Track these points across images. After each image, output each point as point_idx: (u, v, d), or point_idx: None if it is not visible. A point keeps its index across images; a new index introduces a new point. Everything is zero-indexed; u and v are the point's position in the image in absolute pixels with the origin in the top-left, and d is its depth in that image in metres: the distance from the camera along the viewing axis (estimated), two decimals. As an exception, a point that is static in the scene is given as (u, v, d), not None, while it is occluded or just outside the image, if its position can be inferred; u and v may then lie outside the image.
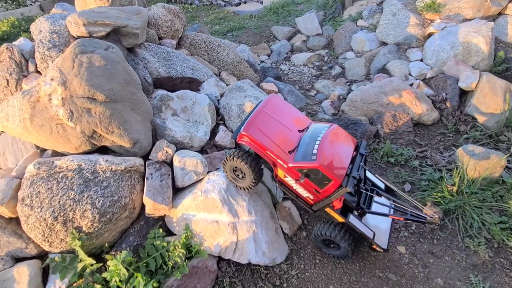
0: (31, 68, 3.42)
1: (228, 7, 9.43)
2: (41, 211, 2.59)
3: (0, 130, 3.33)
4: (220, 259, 2.98)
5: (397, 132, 4.30)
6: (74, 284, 2.62)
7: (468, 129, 4.34)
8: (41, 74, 3.40)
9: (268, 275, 2.96)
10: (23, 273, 2.65)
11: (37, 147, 3.09)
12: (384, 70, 5.48)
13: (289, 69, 6.37)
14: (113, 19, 3.37)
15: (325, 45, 6.90)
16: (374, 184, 3.05)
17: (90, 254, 2.77)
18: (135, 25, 3.49)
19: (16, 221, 2.79)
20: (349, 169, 2.55)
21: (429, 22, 5.67)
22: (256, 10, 9.25)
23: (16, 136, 3.13)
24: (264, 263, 2.93)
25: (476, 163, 3.53)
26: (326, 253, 3.09)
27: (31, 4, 10.62)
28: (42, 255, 2.86)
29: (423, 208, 2.62)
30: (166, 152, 3.04)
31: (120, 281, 2.52)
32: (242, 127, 2.67)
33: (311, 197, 2.74)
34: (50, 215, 2.59)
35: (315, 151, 2.48)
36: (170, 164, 3.11)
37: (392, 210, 2.81)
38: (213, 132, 3.58)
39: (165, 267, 2.73)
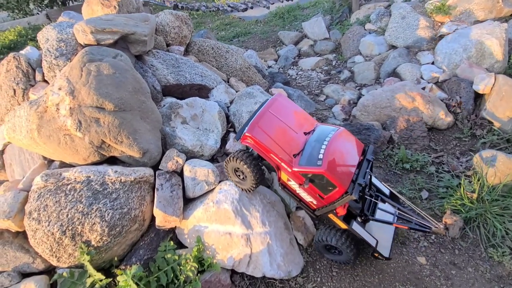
0: (38, 77, 3.36)
1: (234, 13, 9.41)
2: (48, 225, 2.50)
3: (7, 141, 3.26)
4: (233, 272, 2.87)
5: (411, 137, 4.18)
6: (83, 301, 2.52)
7: (485, 134, 4.21)
8: (48, 83, 3.35)
9: (284, 289, 2.84)
10: (31, 290, 2.56)
11: (45, 158, 3.02)
12: (394, 73, 5.37)
13: (297, 74, 6.29)
14: (121, 26, 3.31)
15: (332, 49, 6.82)
16: (378, 190, 2.95)
17: (99, 269, 2.69)
18: (143, 32, 3.43)
19: (23, 235, 2.71)
20: (355, 175, 2.46)
21: (440, 24, 5.57)
22: (262, 16, 9.22)
23: (23, 147, 3.06)
24: (279, 276, 2.81)
25: (497, 168, 3.40)
26: (328, 258, 3.02)
27: (38, 13, 10.72)
28: (49, 270, 2.78)
29: (427, 217, 2.53)
30: (177, 161, 2.95)
31: (130, 297, 2.42)
32: (246, 128, 2.57)
33: (315, 202, 2.65)
34: (58, 229, 2.50)
35: (320, 156, 2.39)
36: (181, 173, 3.02)
37: (396, 218, 2.72)
38: (224, 140, 3.49)
39: (176, 281, 2.62)
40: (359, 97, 5.11)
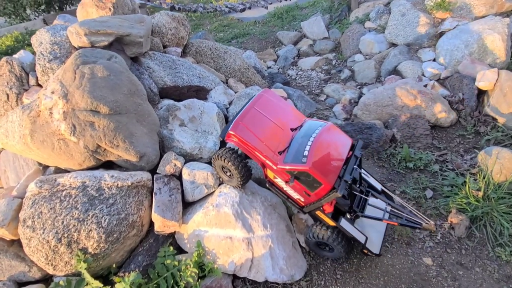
0: (32, 81, 3.30)
1: (232, 14, 9.35)
2: (43, 232, 2.43)
3: (1, 148, 3.20)
4: (235, 277, 2.81)
5: (414, 136, 4.11)
6: (80, 310, 2.45)
7: (489, 130, 4.13)
8: (42, 87, 3.28)
9: (287, 294, 2.76)
10: (26, 300, 2.49)
11: (39, 164, 2.95)
12: (395, 71, 5.30)
13: (296, 74, 6.22)
14: (116, 28, 3.25)
15: (332, 48, 6.75)
16: (370, 186, 2.89)
17: (97, 276, 2.62)
18: (138, 33, 3.37)
19: (18, 243, 2.64)
20: (343, 172, 2.40)
21: (440, 21, 5.50)
22: (260, 16, 9.16)
23: (17, 153, 3.00)
24: (282, 280, 2.74)
25: (502, 166, 3.32)
26: (320, 255, 2.98)
27: (35, 18, 10.67)
28: (46, 279, 2.71)
29: (418, 214, 2.49)
30: (175, 165, 2.88)
31: (129, 306, 2.35)
32: (231, 126, 2.53)
33: (302, 199, 2.61)
34: (54, 237, 2.43)
35: (306, 153, 2.34)
36: (179, 177, 2.95)
37: (387, 214, 2.68)
38: (223, 142, 3.41)
39: (176, 288, 2.55)
40: (360, 96, 5.04)
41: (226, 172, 2.77)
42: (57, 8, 10.59)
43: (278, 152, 2.48)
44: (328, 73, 6.12)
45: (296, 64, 6.57)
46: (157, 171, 2.91)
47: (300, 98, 4.83)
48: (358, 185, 2.66)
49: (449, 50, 4.92)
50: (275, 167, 2.45)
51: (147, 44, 3.69)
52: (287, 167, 2.38)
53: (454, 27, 5.11)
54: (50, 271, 2.53)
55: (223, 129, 2.66)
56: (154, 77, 3.54)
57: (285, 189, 2.64)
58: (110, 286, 2.53)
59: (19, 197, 2.66)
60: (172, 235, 2.88)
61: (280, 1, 8.33)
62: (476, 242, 3.06)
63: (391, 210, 2.71)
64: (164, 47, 4.26)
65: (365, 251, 2.77)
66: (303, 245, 3.04)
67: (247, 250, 2.68)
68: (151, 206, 2.78)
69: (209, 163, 3.19)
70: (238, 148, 2.64)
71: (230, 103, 3.81)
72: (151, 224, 2.83)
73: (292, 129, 2.64)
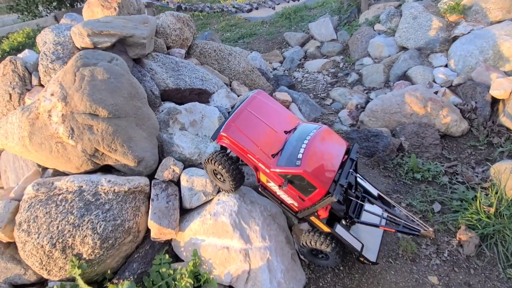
0: (35, 81, 3.28)
1: (239, 14, 9.27)
2: (38, 237, 2.40)
3: (1, 148, 3.19)
4: (231, 289, 2.73)
5: (422, 145, 3.96)
6: (73, 317, 2.41)
7: (503, 142, 3.95)
8: (44, 87, 3.26)
9: (284, 308, 2.68)
10: (21, 303, 2.47)
11: (39, 165, 2.93)
12: (405, 77, 5.15)
13: (302, 76, 6.11)
14: (119, 28, 3.21)
15: (340, 51, 6.61)
16: (366, 191, 2.79)
17: (92, 282, 2.59)
18: (141, 34, 3.32)
19: (14, 245, 2.62)
20: (338, 176, 2.30)
21: (453, 25, 5.31)
22: (268, 16, 9.05)
23: (17, 154, 2.98)
24: (280, 294, 2.65)
25: (516, 180, 3.17)
26: (315, 264, 2.88)
27: (47, 15, 10.78)
28: (42, 282, 2.69)
29: (416, 220, 2.40)
30: (173, 170, 2.82)
31: (121, 315, 2.31)
32: (222, 127, 2.44)
33: (296, 204, 2.51)
34: (48, 242, 2.39)
35: (300, 156, 2.25)
36: (177, 183, 2.89)
37: (383, 221, 2.59)
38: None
39: (171, 297, 2.49)
40: (367, 102, 4.90)
41: (217, 175, 2.68)
42: (68, 5, 10.68)
43: (272, 155, 2.38)
44: (335, 76, 5.99)
45: (303, 66, 6.45)
46: (155, 177, 2.86)
47: (305, 102, 4.72)
48: (353, 190, 2.56)
49: (462, 56, 4.75)
50: (268, 170, 2.36)
51: (151, 45, 3.64)
52: (281, 170, 2.29)
53: (469, 32, 4.93)
54: (45, 275, 2.51)
55: (215, 131, 2.57)
56: (156, 79, 3.48)
57: (278, 193, 2.54)
58: (104, 293, 2.51)
59: (16, 199, 2.64)
60: (168, 242, 2.82)
61: (288, 2, 8.19)
62: (486, 262, 2.91)
63: (388, 216, 2.62)
64: (168, 48, 4.21)
65: (361, 259, 2.67)
66: (303, 257, 2.95)
67: (244, 261, 2.60)
68: (148, 211, 2.73)
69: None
70: (230, 151, 2.56)
71: (232, 107, 3.74)
72: (148, 230, 2.78)
73: (286, 132, 2.55)
